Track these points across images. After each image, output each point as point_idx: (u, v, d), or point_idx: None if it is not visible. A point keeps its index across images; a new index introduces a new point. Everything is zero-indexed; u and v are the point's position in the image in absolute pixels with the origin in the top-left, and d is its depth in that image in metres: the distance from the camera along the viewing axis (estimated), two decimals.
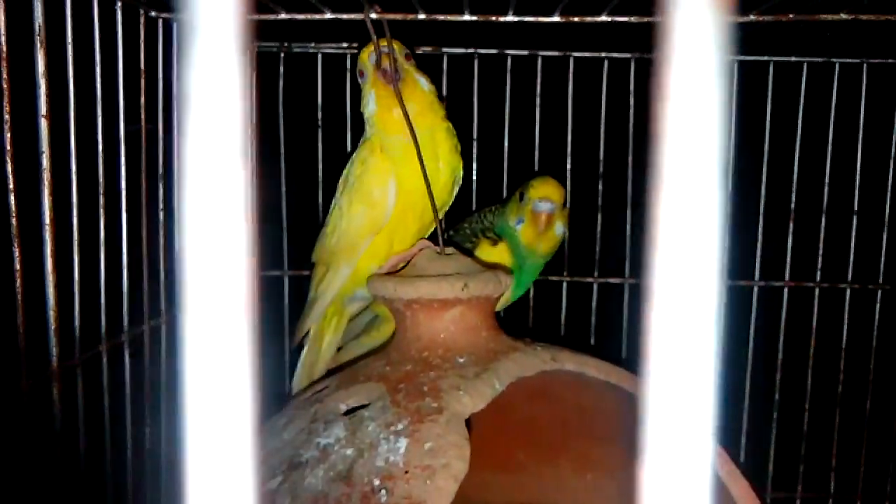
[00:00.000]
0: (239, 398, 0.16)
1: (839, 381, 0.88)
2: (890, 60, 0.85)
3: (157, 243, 0.71)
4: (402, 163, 0.69)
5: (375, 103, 0.70)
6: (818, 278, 0.89)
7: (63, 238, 0.60)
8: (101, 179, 0.64)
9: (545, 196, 0.78)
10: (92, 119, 0.64)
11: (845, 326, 0.89)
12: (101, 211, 0.64)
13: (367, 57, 0.69)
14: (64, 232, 0.60)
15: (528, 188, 0.79)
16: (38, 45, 0.56)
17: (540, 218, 0.77)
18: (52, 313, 0.57)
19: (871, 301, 0.90)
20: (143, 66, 0.70)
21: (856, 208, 0.88)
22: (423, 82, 0.70)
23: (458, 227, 0.83)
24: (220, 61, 0.17)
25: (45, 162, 0.56)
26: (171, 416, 0.73)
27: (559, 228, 0.80)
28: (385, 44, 0.66)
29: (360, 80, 0.72)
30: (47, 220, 0.57)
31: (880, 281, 0.89)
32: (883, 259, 0.88)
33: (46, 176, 0.56)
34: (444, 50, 0.87)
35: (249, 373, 0.16)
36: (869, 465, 0.90)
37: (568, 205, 0.79)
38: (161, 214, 0.72)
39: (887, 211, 0.88)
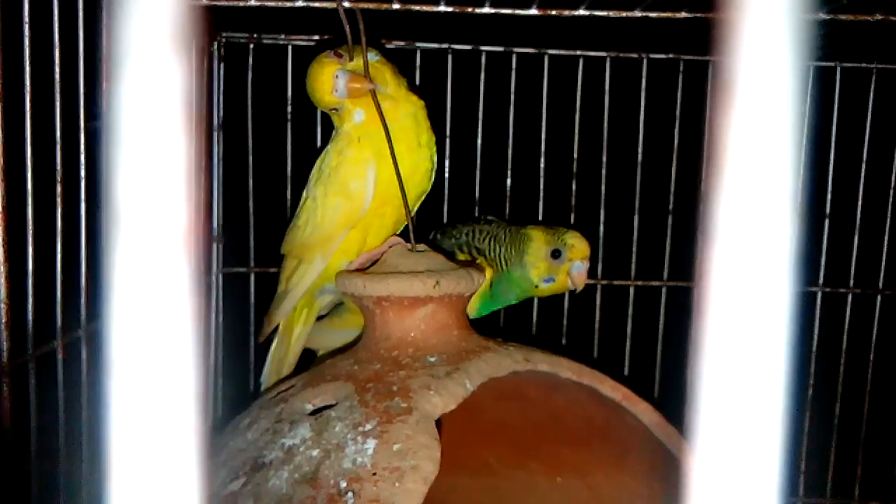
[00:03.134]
0: (185, 399, 0.15)
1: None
2: None
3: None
4: (382, 153, 0.67)
5: (364, 115, 0.68)
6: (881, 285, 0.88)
7: (17, 229, 0.57)
8: (58, 168, 0.61)
9: (585, 257, 0.74)
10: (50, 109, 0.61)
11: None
12: (59, 200, 0.62)
13: (332, 92, 0.67)
14: (18, 223, 0.58)
15: (567, 247, 0.73)
16: None
17: (581, 279, 0.73)
18: (2, 306, 0.55)
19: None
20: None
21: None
22: (379, 61, 0.68)
23: (447, 230, 0.80)
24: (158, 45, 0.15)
25: None
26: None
27: None
28: (360, 58, 0.65)
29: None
30: None
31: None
32: None
33: None
34: (418, 45, 0.85)
35: (196, 370, 0.15)
36: None
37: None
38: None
39: None
